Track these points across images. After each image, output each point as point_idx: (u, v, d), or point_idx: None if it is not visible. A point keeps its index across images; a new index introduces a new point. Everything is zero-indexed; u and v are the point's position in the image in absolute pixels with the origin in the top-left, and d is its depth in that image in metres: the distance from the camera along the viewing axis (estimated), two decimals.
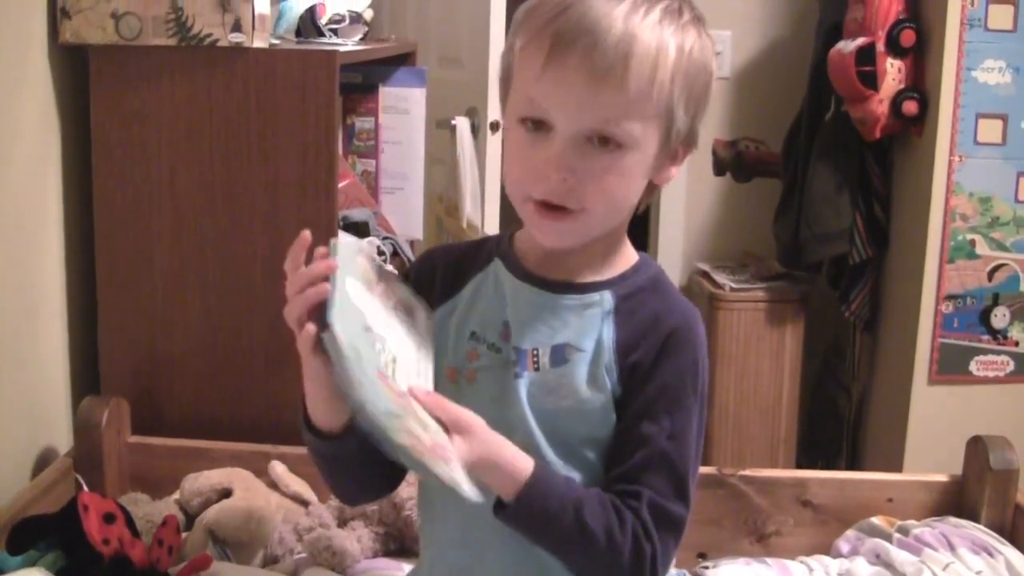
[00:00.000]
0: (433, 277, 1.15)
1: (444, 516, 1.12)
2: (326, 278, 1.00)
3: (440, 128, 2.68)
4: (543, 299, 1.09)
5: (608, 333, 1.06)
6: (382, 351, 0.99)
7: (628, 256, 1.13)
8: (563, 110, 1.00)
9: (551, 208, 1.02)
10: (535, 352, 1.07)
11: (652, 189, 1.10)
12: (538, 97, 1.01)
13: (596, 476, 1.06)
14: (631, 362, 1.05)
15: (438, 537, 1.15)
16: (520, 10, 1.05)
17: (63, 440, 1.84)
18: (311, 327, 0.98)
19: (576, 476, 1.06)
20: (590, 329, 1.07)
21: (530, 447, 1.04)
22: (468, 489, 0.95)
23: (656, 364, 1.05)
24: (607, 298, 1.08)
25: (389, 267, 1.13)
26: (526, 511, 1.01)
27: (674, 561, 1.10)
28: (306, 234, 1.04)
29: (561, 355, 1.06)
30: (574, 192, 1.01)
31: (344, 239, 1.06)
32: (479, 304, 1.12)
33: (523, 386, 1.06)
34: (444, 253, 1.19)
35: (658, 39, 1.00)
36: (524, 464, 1.02)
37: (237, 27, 1.75)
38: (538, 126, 1.02)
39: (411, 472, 1.01)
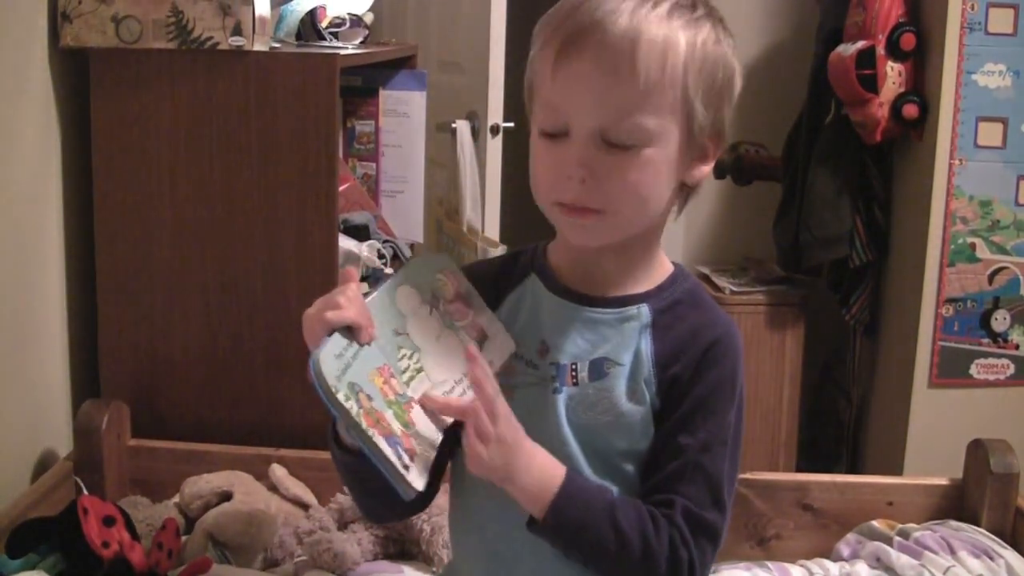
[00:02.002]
0: None
1: (480, 527, 1.11)
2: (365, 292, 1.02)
3: (440, 131, 2.68)
4: (579, 313, 1.08)
5: (646, 346, 1.06)
6: (407, 358, 1.01)
7: (664, 267, 1.12)
8: (576, 108, 1.01)
9: (576, 208, 1.03)
10: (574, 367, 1.07)
11: (687, 191, 1.09)
12: (553, 98, 1.02)
13: (633, 489, 1.06)
14: (670, 375, 1.05)
15: (471, 549, 1.14)
16: (539, 21, 1.07)
17: (63, 443, 1.84)
18: (323, 319, 0.99)
19: (614, 490, 1.05)
20: (628, 343, 1.06)
21: (567, 461, 1.03)
22: (407, 487, 0.96)
23: (694, 377, 1.05)
24: (644, 311, 1.08)
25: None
26: (560, 521, 1.00)
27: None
28: (351, 271, 1.04)
29: (600, 369, 1.06)
30: (596, 192, 1.01)
31: (434, 257, 1.11)
32: (517, 321, 1.11)
33: (562, 401, 1.06)
34: (481, 271, 1.18)
35: (666, 32, 1.00)
36: (555, 472, 1.01)
37: (237, 31, 1.75)
38: (554, 135, 1.03)
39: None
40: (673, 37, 1.00)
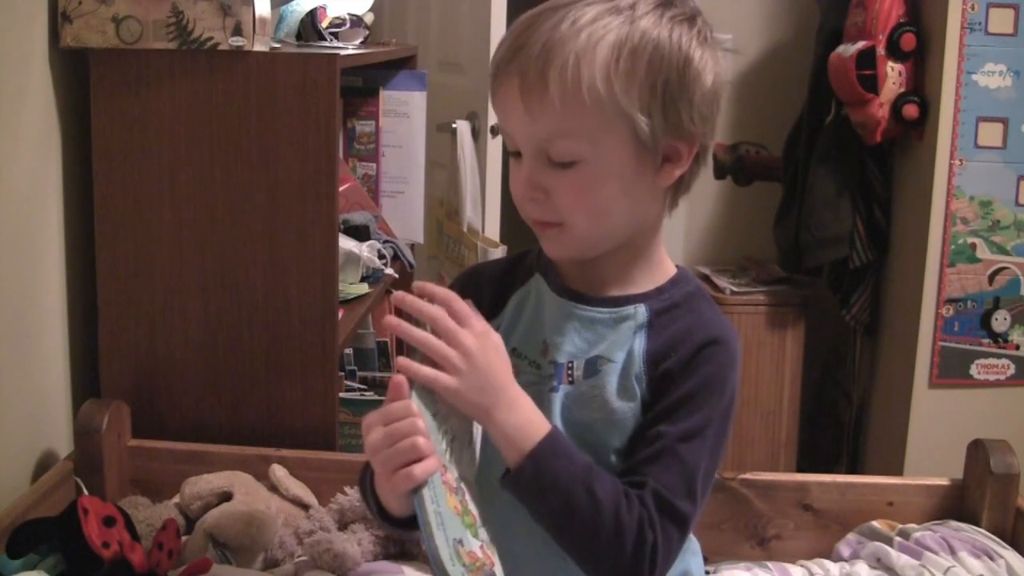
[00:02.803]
0: (481, 296, 1.15)
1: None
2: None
3: (440, 132, 2.68)
4: (579, 312, 1.09)
5: (639, 345, 1.06)
6: (445, 435, 1.00)
7: (665, 270, 1.12)
8: (514, 131, 1.03)
9: (540, 222, 1.06)
10: (570, 365, 1.07)
11: (674, 191, 1.08)
12: (499, 122, 1.06)
13: None
14: (661, 370, 1.05)
15: None
16: None
17: (63, 444, 1.84)
18: (411, 477, 0.94)
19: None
20: (622, 341, 1.07)
21: None
22: None
23: (684, 371, 1.04)
24: (641, 311, 1.08)
25: None
26: (537, 472, 0.98)
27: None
28: (400, 380, 0.98)
29: (593, 367, 1.06)
30: (550, 208, 1.04)
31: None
32: (521, 321, 1.12)
33: (558, 399, 1.06)
34: (489, 271, 1.19)
35: (582, 46, 0.98)
36: (540, 423, 1.00)
37: (238, 31, 1.75)
38: (516, 154, 1.05)
39: None
40: (589, 48, 0.98)
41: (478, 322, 1.00)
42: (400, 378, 0.98)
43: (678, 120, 1.02)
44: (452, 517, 0.95)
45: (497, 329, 1.12)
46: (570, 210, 1.03)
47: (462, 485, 1.01)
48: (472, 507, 1.00)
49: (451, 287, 1.20)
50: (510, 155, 1.06)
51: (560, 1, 1.02)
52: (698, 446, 1.03)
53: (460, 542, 0.95)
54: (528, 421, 1.00)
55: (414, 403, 0.96)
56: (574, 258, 1.08)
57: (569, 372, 1.07)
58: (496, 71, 1.03)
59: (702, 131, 1.04)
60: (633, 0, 1.01)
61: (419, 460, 0.94)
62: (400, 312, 1.01)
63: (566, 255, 1.08)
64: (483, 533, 1.00)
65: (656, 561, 0.99)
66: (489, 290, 1.15)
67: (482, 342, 0.99)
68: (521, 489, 1.00)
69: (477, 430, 1.06)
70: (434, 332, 0.99)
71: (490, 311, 1.14)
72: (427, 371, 0.98)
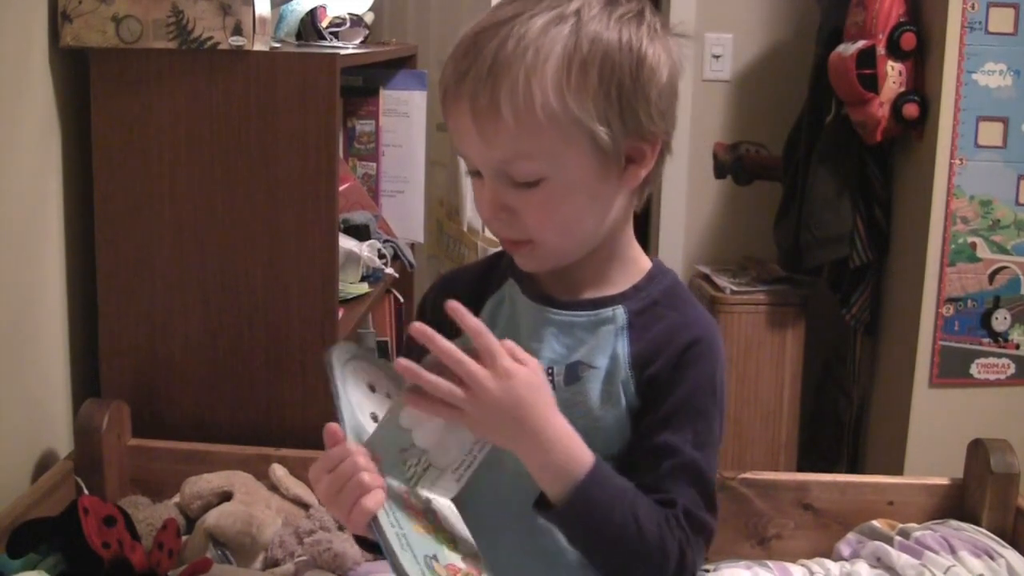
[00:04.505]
0: None
1: (462, 503, 1.11)
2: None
3: (441, 131, 2.68)
4: (555, 317, 1.07)
5: (623, 348, 1.05)
6: (413, 465, 0.99)
7: (639, 265, 1.10)
8: (471, 153, 1.00)
9: (508, 241, 1.04)
10: (550, 371, 1.05)
11: (639, 190, 1.06)
12: (454, 142, 1.01)
13: None
14: (648, 375, 1.03)
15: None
16: None
17: (63, 443, 1.84)
18: (364, 511, 0.94)
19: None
20: (604, 346, 1.05)
21: None
22: None
23: (675, 376, 1.03)
24: (620, 314, 1.06)
25: (373, 356, 1.11)
26: (587, 503, 0.97)
27: None
28: (332, 427, 0.98)
29: (574, 373, 1.05)
30: (517, 226, 1.01)
31: (335, 354, 1.03)
32: (496, 328, 1.09)
33: None
34: (461, 278, 1.17)
35: (530, 61, 0.94)
36: (584, 449, 0.98)
37: (238, 30, 1.75)
38: (476, 173, 1.02)
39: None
40: (539, 70, 0.95)
41: (508, 362, 0.95)
42: (333, 426, 0.97)
43: (637, 122, 0.99)
44: (419, 537, 0.95)
45: None
46: (539, 228, 1.01)
47: (433, 506, 1.00)
48: (450, 524, 0.99)
49: (425, 296, 1.19)
50: (470, 174, 1.03)
51: (502, 15, 0.97)
52: (709, 453, 1.03)
53: (434, 557, 0.94)
54: (569, 458, 0.97)
55: (351, 444, 0.96)
56: (550, 270, 1.07)
57: (550, 379, 1.05)
58: (444, 94, 0.98)
59: (663, 128, 1.02)
60: (578, 5, 0.97)
61: (367, 494, 0.93)
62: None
63: (541, 269, 1.07)
64: (465, 546, 0.99)
65: None
66: (464, 296, 1.13)
67: (510, 383, 0.94)
68: (566, 521, 0.99)
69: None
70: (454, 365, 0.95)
71: None
72: (444, 411, 0.95)
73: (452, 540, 0.98)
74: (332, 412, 1.29)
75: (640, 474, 1.02)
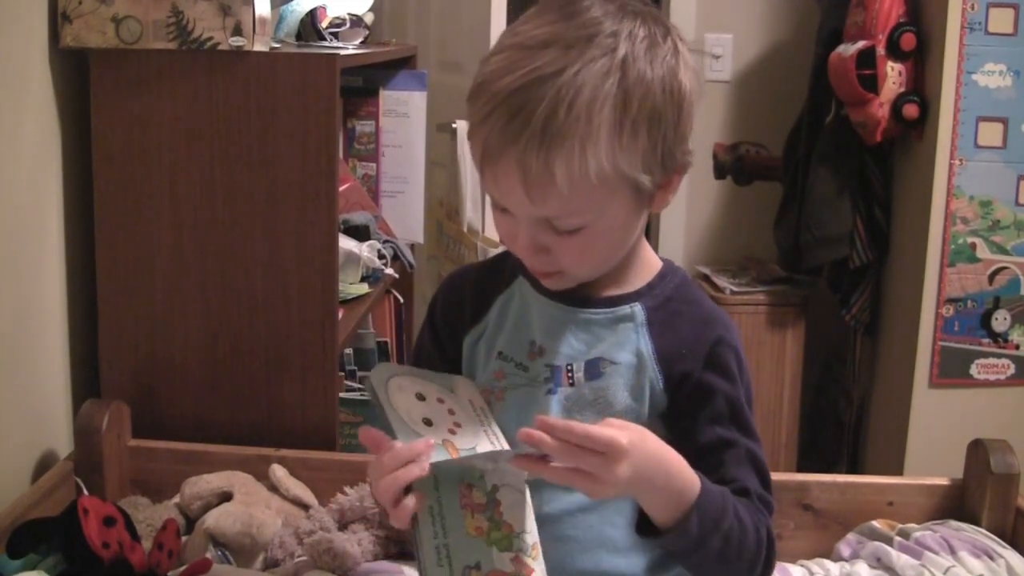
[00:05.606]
0: (462, 303, 1.14)
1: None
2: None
3: (440, 132, 2.68)
4: (570, 315, 1.09)
5: (646, 344, 1.07)
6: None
7: (651, 264, 1.13)
8: (511, 204, 1.00)
9: (539, 272, 1.06)
10: (570, 367, 1.07)
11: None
12: (488, 188, 1.01)
13: None
14: (679, 372, 1.06)
15: None
16: (472, 87, 1.01)
17: (63, 444, 1.84)
18: (408, 505, 0.96)
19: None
20: (625, 342, 1.07)
21: None
22: None
23: (710, 376, 1.07)
24: (638, 311, 1.09)
25: (408, 369, 1.12)
26: (700, 528, 0.99)
27: None
28: (365, 431, 1.02)
29: (595, 369, 1.07)
30: (552, 262, 1.03)
31: (374, 377, 1.04)
32: (506, 324, 1.12)
33: (556, 401, 1.07)
34: (469, 276, 1.18)
35: (583, 129, 0.94)
36: (690, 470, 1.00)
37: (238, 31, 1.75)
38: (505, 209, 1.03)
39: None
40: (593, 137, 0.94)
41: (617, 425, 0.95)
42: (365, 429, 0.99)
43: (674, 161, 1.03)
44: (467, 542, 0.96)
45: (483, 332, 1.12)
46: (575, 264, 1.04)
47: (498, 496, 1.00)
48: (513, 515, 1.00)
49: (435, 297, 1.20)
50: (494, 207, 1.03)
51: (544, 66, 0.94)
52: (756, 437, 1.09)
53: (476, 566, 0.95)
54: (685, 485, 0.99)
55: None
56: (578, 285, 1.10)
57: (569, 375, 1.07)
58: (486, 148, 0.97)
59: (689, 151, 1.05)
60: (624, 53, 0.95)
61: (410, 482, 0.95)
62: None
63: (571, 286, 1.09)
64: (520, 541, 0.99)
65: (774, 552, 1.06)
66: (471, 295, 1.14)
67: (633, 436, 0.95)
68: (681, 539, 1.00)
69: None
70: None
71: (472, 317, 1.14)
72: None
73: (509, 537, 0.98)
74: (332, 412, 1.30)
75: (715, 468, 1.06)
